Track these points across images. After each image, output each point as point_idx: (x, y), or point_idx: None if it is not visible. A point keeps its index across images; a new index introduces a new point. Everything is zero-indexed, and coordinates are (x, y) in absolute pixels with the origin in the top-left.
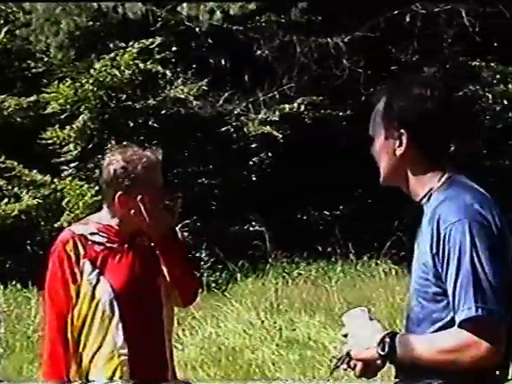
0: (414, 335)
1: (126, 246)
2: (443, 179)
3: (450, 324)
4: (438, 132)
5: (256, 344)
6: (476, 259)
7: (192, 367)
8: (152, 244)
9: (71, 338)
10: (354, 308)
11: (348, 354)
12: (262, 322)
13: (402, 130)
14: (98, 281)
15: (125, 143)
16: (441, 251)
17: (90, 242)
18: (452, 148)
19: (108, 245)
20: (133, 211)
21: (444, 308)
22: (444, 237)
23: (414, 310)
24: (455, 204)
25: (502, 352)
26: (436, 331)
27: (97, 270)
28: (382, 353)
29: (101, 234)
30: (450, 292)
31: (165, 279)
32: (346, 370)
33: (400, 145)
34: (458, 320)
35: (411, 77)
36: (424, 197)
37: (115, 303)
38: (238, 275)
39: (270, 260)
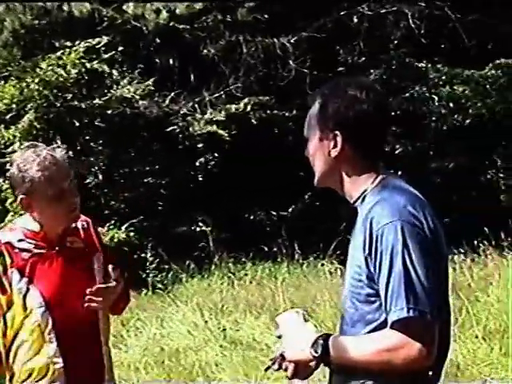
0: (347, 337)
1: (54, 250)
2: (377, 181)
3: (383, 325)
4: (372, 134)
5: (200, 345)
6: (408, 260)
7: (135, 368)
8: (83, 245)
9: (3, 349)
10: (299, 308)
11: (281, 354)
12: (206, 322)
13: (337, 132)
14: (27, 290)
15: (31, 143)
16: (373, 253)
17: (16, 250)
18: (398, 150)
19: (36, 251)
20: (37, 214)
21: (377, 309)
22: (376, 238)
23: (348, 312)
24: (388, 206)
25: (434, 353)
26: (370, 332)
27: (25, 279)
28: (315, 354)
29: (28, 240)
30: (382, 293)
31: (104, 281)
32: (277, 370)
33: (335, 146)
34: (389, 321)
35: (346, 79)
36: (358, 198)
37: (47, 312)
38: (184, 276)
39: (215, 260)
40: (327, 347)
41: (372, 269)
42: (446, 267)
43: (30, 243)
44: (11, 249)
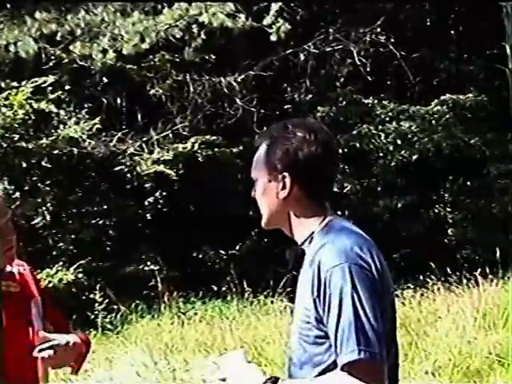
0: (296, 380)
1: None
2: (324, 223)
3: (332, 367)
4: (321, 175)
5: None
6: (358, 303)
7: None
8: (19, 290)
9: None
10: (241, 349)
11: None
12: (156, 363)
13: (285, 173)
14: None
15: None
16: (322, 295)
17: None
18: (346, 188)
19: None
20: None
21: (326, 351)
22: (325, 281)
23: (296, 353)
24: (335, 248)
25: None
26: (319, 374)
27: None
28: None
29: None
30: (331, 335)
31: (43, 327)
32: None
33: (283, 188)
34: (340, 363)
35: (294, 120)
36: (305, 240)
37: None
38: (133, 316)
39: (164, 300)
40: None
41: (321, 311)
42: (394, 307)
43: None
44: None
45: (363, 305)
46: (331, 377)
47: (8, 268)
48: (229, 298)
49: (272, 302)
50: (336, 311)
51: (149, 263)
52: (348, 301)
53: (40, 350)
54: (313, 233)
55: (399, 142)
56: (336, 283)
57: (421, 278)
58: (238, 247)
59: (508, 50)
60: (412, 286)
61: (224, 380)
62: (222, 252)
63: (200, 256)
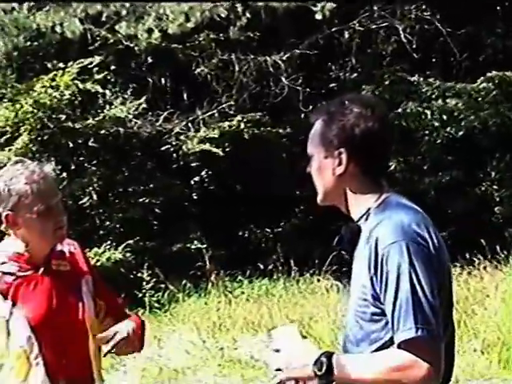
0: (352, 355)
1: (40, 272)
2: (380, 199)
3: (388, 344)
4: (377, 151)
5: (198, 364)
6: (415, 280)
7: None
8: (69, 268)
9: None
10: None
11: (281, 369)
12: (204, 342)
13: (342, 149)
14: (11, 314)
15: (18, 158)
16: (379, 272)
17: None
18: (392, 166)
19: (20, 274)
20: (23, 232)
21: (382, 328)
22: (382, 258)
23: (353, 331)
24: (392, 225)
25: (442, 372)
26: (375, 351)
27: (9, 303)
28: (318, 373)
29: (11, 262)
30: (388, 313)
31: (94, 305)
32: None
33: (339, 164)
34: (397, 340)
35: (351, 96)
36: (362, 217)
37: (32, 336)
38: (180, 295)
39: (211, 279)
40: (331, 366)
41: (378, 288)
42: (451, 283)
43: (13, 266)
44: None
45: (421, 282)
46: (388, 354)
47: (58, 247)
48: (275, 276)
49: (318, 280)
50: (393, 288)
51: (196, 242)
52: (405, 278)
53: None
54: (369, 209)
55: (445, 119)
56: (393, 260)
57: (468, 256)
58: (284, 226)
59: None
60: (459, 265)
61: (278, 351)
62: (268, 230)
63: (246, 235)
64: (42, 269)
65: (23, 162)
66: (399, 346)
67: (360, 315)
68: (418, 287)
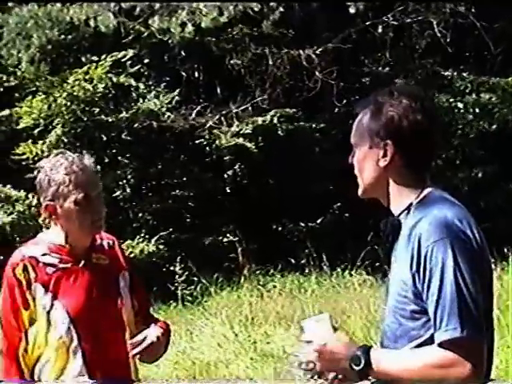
0: (392, 350)
1: (80, 265)
2: (423, 194)
3: (428, 342)
4: (424, 145)
5: (230, 358)
6: (460, 278)
7: (166, 383)
8: (108, 262)
9: (25, 368)
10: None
11: (313, 362)
12: (237, 335)
13: (389, 141)
14: (52, 305)
15: (59, 150)
16: (421, 270)
17: (41, 264)
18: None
19: (61, 266)
20: (62, 222)
21: (422, 326)
22: (425, 255)
23: (391, 327)
24: (436, 221)
25: (484, 372)
26: (413, 348)
27: (50, 294)
28: (356, 368)
29: (52, 254)
30: (431, 311)
31: (130, 299)
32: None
33: (384, 155)
34: (440, 339)
35: (399, 86)
36: (403, 211)
37: (72, 328)
38: (213, 288)
39: (244, 272)
40: (369, 361)
41: (419, 286)
42: (492, 280)
43: (54, 257)
44: (35, 263)
45: (465, 280)
46: (431, 351)
47: (98, 241)
48: (307, 271)
49: (351, 275)
50: (437, 286)
51: (228, 235)
52: (450, 276)
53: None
54: (411, 204)
55: (478, 113)
56: (437, 258)
57: (501, 251)
58: (317, 221)
59: None
60: (492, 260)
61: (309, 343)
62: (302, 225)
63: (279, 229)
64: (82, 262)
65: (64, 153)
66: (441, 345)
67: (399, 312)
68: (462, 285)
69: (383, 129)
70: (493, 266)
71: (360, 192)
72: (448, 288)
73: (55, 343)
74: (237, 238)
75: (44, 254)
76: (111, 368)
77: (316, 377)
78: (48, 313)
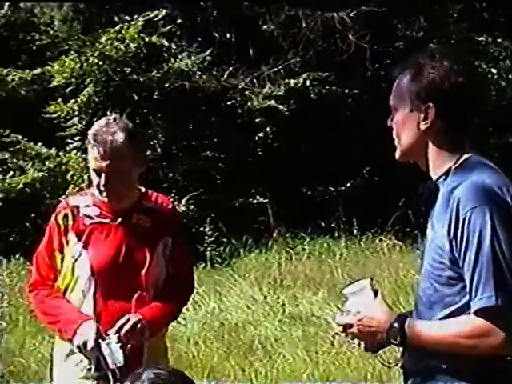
0: (426, 322)
1: (117, 222)
2: (462, 159)
3: (463, 308)
4: (465, 109)
5: (259, 320)
6: (497, 247)
7: (195, 342)
8: (150, 225)
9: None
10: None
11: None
12: (265, 297)
13: (430, 104)
14: (79, 255)
15: (112, 116)
16: (459, 236)
17: (81, 214)
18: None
19: (98, 219)
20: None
21: (458, 292)
22: (463, 221)
23: (426, 293)
24: (474, 187)
25: None
26: (448, 315)
27: (81, 244)
28: (394, 341)
29: (95, 207)
30: (467, 278)
31: (166, 266)
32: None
33: (425, 118)
34: (475, 307)
35: (440, 48)
36: (441, 176)
37: (92, 280)
38: (242, 250)
39: (273, 235)
40: (405, 334)
41: (456, 253)
42: None
43: (95, 210)
44: (77, 212)
45: (503, 249)
46: (464, 320)
47: (148, 203)
48: (337, 234)
49: (380, 239)
50: (474, 253)
51: (258, 197)
52: (487, 243)
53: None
54: (450, 169)
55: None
56: (475, 225)
57: None
58: (347, 184)
59: None
60: None
61: (348, 312)
62: (332, 189)
63: (309, 192)
64: (119, 219)
65: (111, 117)
66: (476, 313)
67: (435, 278)
68: (499, 253)
69: (424, 91)
70: None
71: (398, 155)
72: (485, 255)
73: (75, 290)
74: (267, 200)
75: (87, 206)
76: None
77: (356, 341)
78: (75, 261)
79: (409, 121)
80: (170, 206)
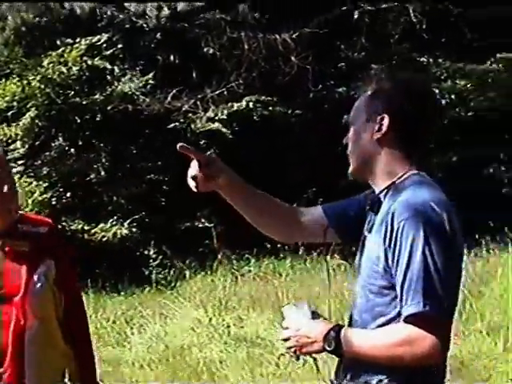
0: (360, 330)
1: None
2: (407, 175)
3: (394, 319)
4: (419, 126)
5: (204, 342)
6: (429, 255)
7: (140, 366)
8: (28, 249)
9: None
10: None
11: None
12: (210, 319)
13: (385, 115)
14: None
15: None
16: (393, 245)
17: None
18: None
19: None
20: None
21: (390, 302)
22: (397, 231)
23: (360, 302)
24: (411, 200)
25: (447, 348)
26: (380, 325)
27: None
28: (328, 348)
29: None
30: (398, 286)
31: (54, 292)
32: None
33: (379, 129)
34: (405, 314)
35: (401, 73)
36: (384, 189)
37: None
38: (187, 272)
39: (219, 257)
40: (340, 341)
41: (390, 261)
42: (461, 268)
43: None
44: None
45: (434, 258)
46: (395, 328)
47: (24, 227)
48: (282, 255)
49: (325, 259)
50: (405, 262)
51: (203, 220)
52: (419, 253)
53: None
54: (393, 183)
55: (454, 99)
56: (408, 234)
57: (476, 237)
58: (293, 205)
59: None
60: (466, 245)
61: (287, 328)
62: None
63: None
64: None
65: None
66: (406, 320)
67: (369, 287)
68: (430, 263)
69: (381, 104)
70: (466, 251)
71: (351, 170)
72: (416, 264)
73: None
74: (212, 224)
75: None
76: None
77: (296, 356)
78: None
79: (363, 131)
80: (48, 228)
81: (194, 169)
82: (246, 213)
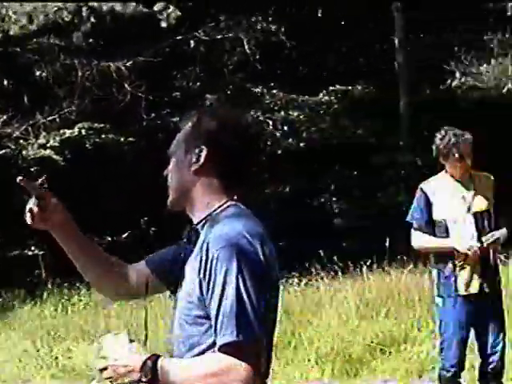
0: (176, 359)
1: None
2: (223, 206)
3: (210, 348)
4: (236, 159)
5: (32, 374)
6: (242, 285)
7: None
8: None
9: None
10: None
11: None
12: (38, 350)
13: (203, 147)
14: None
15: None
16: (207, 276)
17: None
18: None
19: None
20: None
21: (204, 332)
22: (211, 261)
23: (176, 333)
24: (225, 231)
25: (265, 375)
26: (197, 355)
27: None
28: (144, 379)
29: None
30: (212, 316)
31: None
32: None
33: (197, 161)
34: (219, 343)
35: (221, 107)
36: (202, 220)
37: None
38: (16, 302)
39: (48, 286)
40: (156, 371)
41: (204, 292)
42: (277, 296)
43: None
44: None
45: (247, 288)
46: (208, 358)
47: None
48: None
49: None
50: (219, 292)
51: (33, 248)
52: (232, 284)
53: None
54: (210, 214)
55: (287, 130)
56: (222, 264)
57: (306, 266)
58: (124, 235)
59: (396, 44)
60: (296, 275)
61: (105, 358)
62: (108, 239)
63: None
64: None
65: None
66: (220, 350)
67: (184, 318)
68: (243, 293)
69: (200, 136)
70: (296, 280)
71: (169, 201)
72: (229, 295)
73: None
74: (41, 252)
75: None
76: None
77: None
78: None
79: (182, 163)
80: None
81: (32, 202)
82: (76, 259)
